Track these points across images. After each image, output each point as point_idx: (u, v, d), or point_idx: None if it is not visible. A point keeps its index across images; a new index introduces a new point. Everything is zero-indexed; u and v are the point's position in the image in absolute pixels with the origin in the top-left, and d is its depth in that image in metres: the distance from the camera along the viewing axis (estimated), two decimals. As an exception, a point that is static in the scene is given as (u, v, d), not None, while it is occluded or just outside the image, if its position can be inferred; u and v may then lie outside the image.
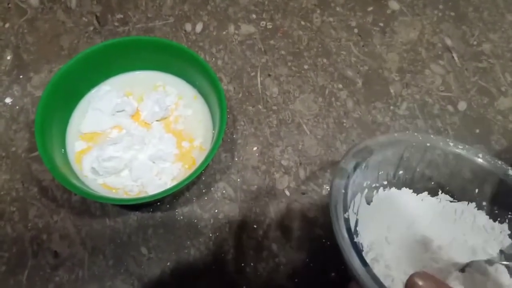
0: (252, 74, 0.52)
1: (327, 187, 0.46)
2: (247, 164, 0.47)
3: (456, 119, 0.50)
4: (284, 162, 0.47)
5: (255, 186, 0.46)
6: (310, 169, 0.47)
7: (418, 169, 0.41)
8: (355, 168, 0.35)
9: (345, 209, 0.32)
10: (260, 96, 0.51)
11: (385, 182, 0.41)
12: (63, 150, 0.44)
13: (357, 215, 0.39)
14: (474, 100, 0.52)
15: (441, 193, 0.41)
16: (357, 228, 0.39)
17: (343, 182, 0.34)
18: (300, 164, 0.47)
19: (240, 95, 0.51)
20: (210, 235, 0.44)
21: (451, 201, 0.41)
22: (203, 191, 0.46)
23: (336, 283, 0.42)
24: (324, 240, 0.44)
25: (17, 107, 0.49)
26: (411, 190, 0.41)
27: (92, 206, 0.45)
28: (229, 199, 0.45)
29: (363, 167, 0.36)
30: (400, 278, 0.35)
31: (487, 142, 0.49)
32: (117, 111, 0.45)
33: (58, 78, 0.43)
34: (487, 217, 0.39)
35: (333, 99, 0.51)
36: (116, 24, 0.54)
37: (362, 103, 0.51)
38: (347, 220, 0.32)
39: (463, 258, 0.37)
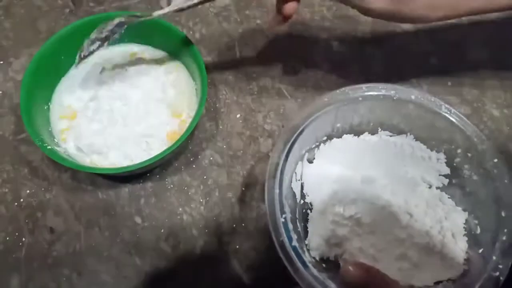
0: (230, 44, 0.53)
1: (310, 147, 0.48)
2: (231, 131, 0.49)
3: (429, 73, 0.52)
4: (267, 127, 0.49)
5: (241, 151, 0.48)
6: (293, 131, 0.49)
7: (354, 118, 0.42)
8: (287, 152, 0.37)
9: (282, 211, 0.35)
10: (239, 65, 0.52)
11: (325, 138, 0.43)
12: (49, 128, 0.45)
13: (301, 180, 0.42)
14: (446, 54, 0.54)
15: (380, 130, 0.43)
16: (303, 191, 0.42)
17: (275, 181, 0.36)
18: (283, 127, 0.49)
19: (220, 65, 0.52)
20: (201, 200, 0.45)
21: (390, 136, 0.43)
22: (191, 159, 0.47)
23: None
24: (310, 197, 0.46)
25: (0, 92, 0.49)
26: (352, 134, 0.43)
27: (83, 182, 0.46)
28: (216, 165, 0.47)
29: (295, 145, 0.38)
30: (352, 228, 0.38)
31: (458, 93, 0.51)
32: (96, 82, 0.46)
33: (38, 59, 0.44)
34: (425, 147, 0.42)
35: (310, 63, 0.52)
36: (91, 4, 0.55)
37: (338, 65, 0.52)
38: (285, 224, 0.35)
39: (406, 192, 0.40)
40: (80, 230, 0.44)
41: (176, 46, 0.47)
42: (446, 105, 0.39)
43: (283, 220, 0.35)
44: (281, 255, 0.33)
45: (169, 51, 0.49)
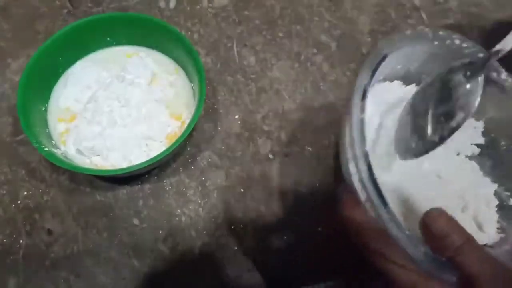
0: (229, 45, 0.53)
1: (308, 148, 0.48)
2: (230, 132, 0.48)
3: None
4: (266, 128, 0.49)
5: (240, 152, 0.47)
6: (292, 132, 0.49)
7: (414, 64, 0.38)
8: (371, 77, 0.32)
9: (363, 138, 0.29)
10: (238, 66, 0.52)
11: (381, 77, 0.38)
12: (47, 130, 0.45)
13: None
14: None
15: None
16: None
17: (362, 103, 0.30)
18: (282, 128, 0.49)
19: (218, 66, 0.52)
20: (199, 201, 0.45)
21: None
22: (189, 161, 0.47)
23: (324, 236, 0.44)
24: (309, 198, 0.46)
25: (-2, 94, 0.49)
26: (401, 82, 0.40)
27: (81, 183, 0.45)
28: (215, 167, 0.47)
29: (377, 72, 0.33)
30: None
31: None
32: (95, 83, 0.46)
33: (35, 60, 0.43)
34: None
35: (309, 64, 0.52)
36: (89, 5, 0.55)
37: (337, 66, 0.52)
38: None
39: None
40: (78, 231, 0.44)
41: (174, 47, 0.47)
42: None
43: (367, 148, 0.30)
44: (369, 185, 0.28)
45: (167, 52, 0.49)
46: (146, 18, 0.47)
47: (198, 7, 0.55)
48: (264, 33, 0.54)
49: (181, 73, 0.48)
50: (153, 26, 0.46)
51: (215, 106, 0.50)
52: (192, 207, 0.45)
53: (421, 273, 0.29)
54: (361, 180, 0.28)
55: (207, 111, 0.49)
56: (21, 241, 0.43)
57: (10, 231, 0.43)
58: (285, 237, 0.44)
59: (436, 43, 0.35)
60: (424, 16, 0.56)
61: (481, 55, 0.35)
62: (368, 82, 0.31)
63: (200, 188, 0.46)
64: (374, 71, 0.32)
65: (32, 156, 0.46)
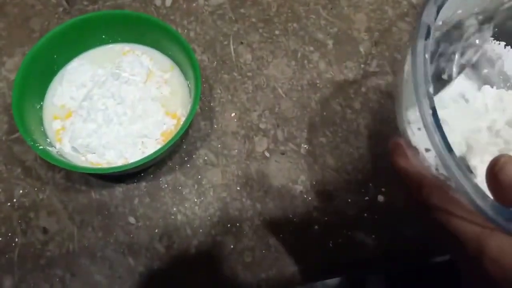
0: (225, 43, 0.53)
1: (305, 146, 0.48)
2: (226, 130, 0.48)
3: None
4: (262, 126, 0.49)
5: (236, 150, 0.47)
6: (288, 130, 0.48)
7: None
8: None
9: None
10: (234, 64, 0.52)
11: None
12: (42, 128, 0.44)
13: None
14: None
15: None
16: None
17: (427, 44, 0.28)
18: (278, 126, 0.49)
19: (215, 64, 0.52)
20: (195, 200, 0.45)
21: None
22: (185, 159, 0.47)
23: (320, 234, 0.44)
24: (305, 196, 0.45)
25: (-7, 92, 0.49)
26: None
27: (76, 182, 0.45)
28: (211, 165, 0.47)
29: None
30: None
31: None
32: (90, 81, 0.46)
33: (31, 58, 0.43)
34: None
35: (305, 61, 0.52)
36: (85, 3, 0.54)
37: (334, 64, 0.52)
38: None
39: None
40: (73, 230, 0.43)
41: (170, 45, 0.47)
42: None
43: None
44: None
45: (162, 50, 0.49)
46: (141, 16, 0.47)
47: (194, 4, 0.55)
48: (260, 31, 0.54)
49: (177, 71, 0.48)
50: (149, 24, 0.46)
51: (211, 104, 0.49)
52: (188, 206, 0.45)
53: (486, 225, 0.26)
54: (426, 125, 0.26)
55: (203, 109, 0.49)
56: (16, 240, 0.43)
57: (5, 230, 0.43)
58: (281, 235, 0.44)
59: None
60: (421, 13, 0.56)
61: None
62: (433, 19, 0.28)
63: (196, 187, 0.45)
64: (439, 8, 0.29)
65: (27, 155, 0.46)
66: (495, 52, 0.38)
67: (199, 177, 0.46)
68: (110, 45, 0.49)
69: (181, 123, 0.43)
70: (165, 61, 0.49)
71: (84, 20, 0.45)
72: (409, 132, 0.29)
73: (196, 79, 0.43)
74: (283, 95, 0.50)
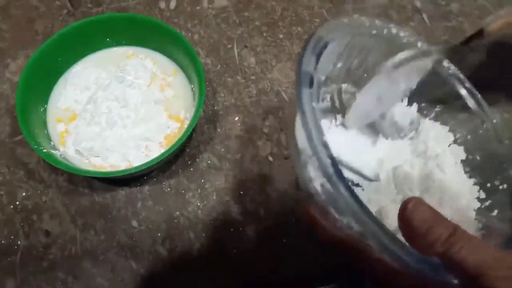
0: (229, 46, 0.53)
1: (308, 150, 0.47)
2: (230, 133, 0.48)
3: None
4: (265, 130, 0.48)
5: (239, 155, 0.47)
6: (291, 134, 0.48)
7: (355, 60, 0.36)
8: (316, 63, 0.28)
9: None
10: (238, 67, 0.52)
11: (324, 78, 0.36)
12: (46, 131, 0.44)
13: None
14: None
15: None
16: None
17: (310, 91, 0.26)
18: (281, 130, 0.48)
19: (218, 67, 0.52)
20: (198, 204, 0.45)
21: None
22: (189, 162, 0.47)
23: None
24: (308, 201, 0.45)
25: (-3, 94, 0.49)
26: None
27: (79, 185, 0.45)
28: (214, 169, 0.47)
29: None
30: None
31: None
32: (94, 84, 0.46)
33: (35, 60, 0.43)
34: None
35: (309, 65, 0.52)
36: (89, 5, 0.54)
37: (338, 68, 0.52)
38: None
39: None
40: (76, 233, 0.43)
41: (174, 48, 0.47)
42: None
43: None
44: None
45: (166, 53, 0.49)
46: (146, 19, 0.47)
47: (198, 8, 0.55)
48: (264, 34, 0.54)
49: (181, 74, 0.48)
50: (153, 27, 0.46)
51: (215, 108, 0.49)
52: (191, 209, 0.45)
53: (415, 279, 0.25)
54: (328, 177, 0.23)
55: (206, 112, 0.49)
56: (18, 243, 0.43)
57: (8, 232, 0.43)
58: (285, 240, 0.44)
59: (374, 32, 0.34)
60: (425, 18, 0.56)
61: (419, 44, 0.35)
62: (313, 68, 0.27)
63: (199, 190, 0.45)
64: (318, 57, 0.28)
65: (30, 157, 0.46)
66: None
67: (202, 180, 0.46)
68: (114, 48, 0.49)
69: (185, 126, 0.43)
70: (168, 65, 0.49)
71: (89, 23, 0.45)
72: (313, 191, 0.26)
73: (200, 82, 0.43)
74: (287, 99, 0.50)
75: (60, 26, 0.53)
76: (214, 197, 0.45)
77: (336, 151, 0.32)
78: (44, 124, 0.45)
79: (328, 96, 0.37)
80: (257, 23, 0.54)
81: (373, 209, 0.33)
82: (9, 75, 0.50)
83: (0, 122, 0.47)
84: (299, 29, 0.54)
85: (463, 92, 0.37)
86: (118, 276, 0.42)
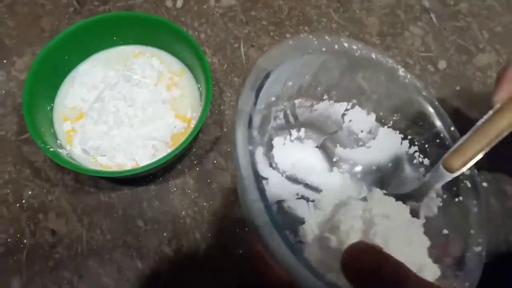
0: (236, 45, 0.53)
1: (315, 151, 0.47)
2: (236, 133, 0.48)
3: (437, 78, 0.52)
4: (272, 130, 0.48)
5: (245, 154, 0.47)
6: (298, 135, 0.48)
7: (306, 77, 0.35)
8: (256, 98, 0.28)
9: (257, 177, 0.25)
10: (244, 67, 0.51)
11: (273, 98, 0.35)
12: (52, 129, 0.44)
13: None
14: (454, 59, 0.53)
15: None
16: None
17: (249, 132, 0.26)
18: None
19: (225, 66, 0.51)
20: (204, 204, 0.45)
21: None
22: (195, 162, 0.46)
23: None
24: (315, 202, 0.45)
25: (3, 92, 0.49)
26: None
27: (86, 184, 0.45)
28: (220, 169, 0.46)
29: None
30: None
31: (468, 98, 0.51)
32: (101, 83, 0.46)
33: (42, 58, 0.43)
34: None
35: (316, 65, 0.52)
36: (96, 3, 0.54)
37: (345, 68, 0.52)
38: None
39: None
40: (82, 232, 0.43)
41: (181, 47, 0.46)
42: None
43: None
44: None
45: (173, 52, 0.48)
46: (152, 18, 0.46)
47: (205, 6, 0.55)
48: (271, 33, 0.53)
49: (188, 73, 0.48)
50: (159, 25, 0.46)
51: (221, 107, 0.49)
52: (197, 209, 0.44)
53: None
54: (260, 228, 0.24)
55: (213, 112, 0.49)
56: (24, 241, 0.43)
57: (14, 231, 0.43)
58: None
59: (323, 49, 0.33)
60: (433, 18, 0.55)
61: (373, 56, 0.35)
62: (252, 105, 0.27)
63: (205, 190, 0.45)
64: (258, 92, 0.28)
65: (37, 155, 0.46)
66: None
67: (209, 181, 0.46)
68: (121, 47, 0.48)
69: (192, 126, 0.43)
70: (175, 64, 0.48)
71: (96, 21, 0.45)
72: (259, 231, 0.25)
73: (207, 82, 0.43)
74: (294, 99, 0.50)
75: (67, 24, 0.53)
76: (220, 197, 0.45)
77: (289, 167, 0.35)
78: (51, 123, 0.45)
79: (281, 114, 0.37)
80: (264, 22, 0.54)
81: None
82: (15, 73, 0.50)
83: (7, 120, 0.47)
84: (306, 28, 0.54)
85: (421, 100, 0.36)
86: (124, 275, 0.42)
